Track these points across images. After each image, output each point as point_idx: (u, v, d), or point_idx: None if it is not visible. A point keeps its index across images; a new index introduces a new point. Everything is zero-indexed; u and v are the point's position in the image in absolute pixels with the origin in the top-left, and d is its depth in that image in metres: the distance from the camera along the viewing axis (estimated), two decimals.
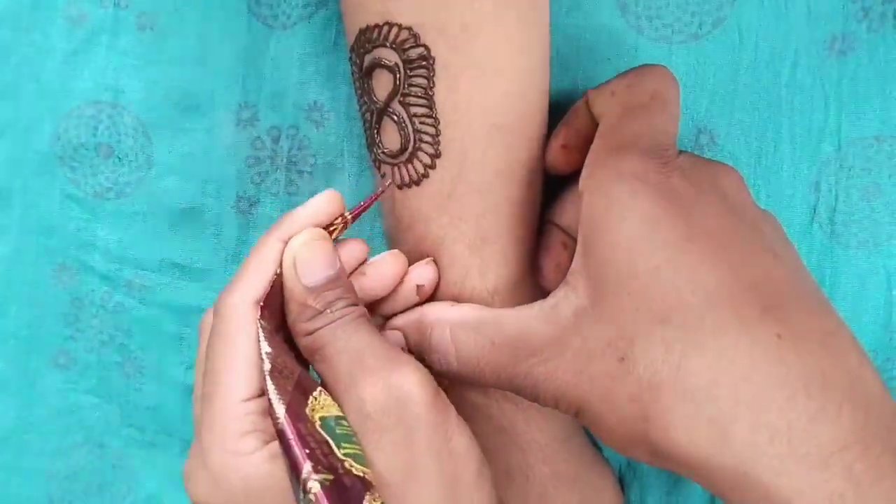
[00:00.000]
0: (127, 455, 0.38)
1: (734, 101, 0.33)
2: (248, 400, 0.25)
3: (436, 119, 0.28)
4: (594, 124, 0.28)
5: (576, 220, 0.28)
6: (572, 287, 0.25)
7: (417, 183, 0.28)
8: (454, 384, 0.30)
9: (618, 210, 0.25)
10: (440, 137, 0.28)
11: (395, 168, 0.29)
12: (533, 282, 0.31)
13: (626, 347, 0.24)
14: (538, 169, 0.30)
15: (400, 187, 0.29)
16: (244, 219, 0.36)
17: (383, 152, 0.29)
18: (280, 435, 0.23)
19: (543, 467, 0.31)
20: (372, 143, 0.29)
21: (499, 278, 0.29)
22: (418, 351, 0.29)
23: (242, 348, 0.25)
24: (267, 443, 0.24)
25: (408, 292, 0.29)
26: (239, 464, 0.24)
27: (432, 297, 0.30)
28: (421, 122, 0.28)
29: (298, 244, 0.26)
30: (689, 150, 0.34)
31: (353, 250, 0.29)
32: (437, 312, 0.28)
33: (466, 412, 0.30)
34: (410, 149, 0.28)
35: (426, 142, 0.28)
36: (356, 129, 0.35)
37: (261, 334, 0.25)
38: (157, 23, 0.36)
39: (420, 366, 0.26)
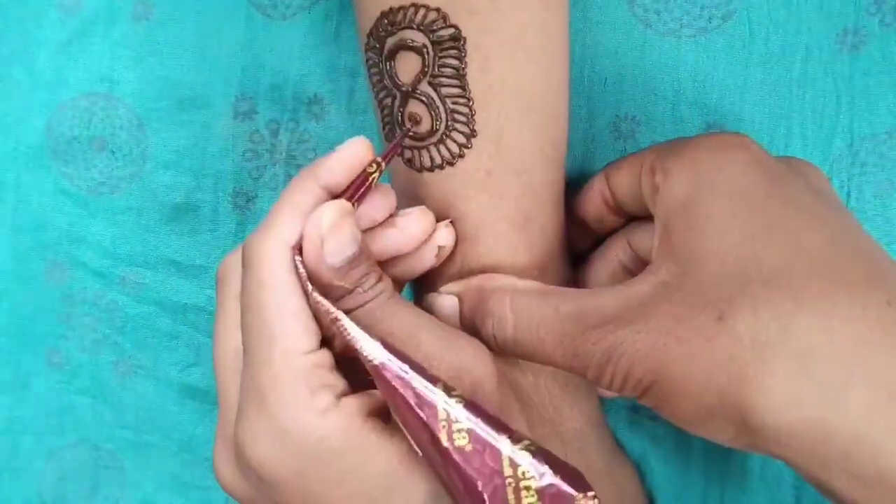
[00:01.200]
0: (121, 456, 0.37)
1: (744, 97, 0.33)
2: (310, 353, 0.23)
3: (469, 99, 0.27)
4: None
5: (601, 213, 0.28)
6: (651, 272, 0.25)
7: (452, 163, 0.28)
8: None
9: (710, 178, 0.24)
10: (475, 117, 0.27)
11: (423, 151, 0.28)
12: (569, 263, 0.30)
13: (726, 307, 0.23)
14: (565, 147, 0.30)
15: (431, 169, 0.28)
16: (241, 214, 0.35)
17: (409, 136, 0.28)
18: (378, 372, 0.22)
19: (580, 459, 0.30)
20: (393, 127, 0.29)
21: (544, 255, 0.29)
22: (471, 317, 0.28)
23: (293, 297, 0.23)
24: (339, 398, 0.23)
25: (428, 253, 0.28)
26: (315, 423, 0.23)
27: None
28: (454, 103, 0.27)
29: (327, 224, 0.24)
30: None
31: (388, 195, 0.27)
32: (498, 280, 0.28)
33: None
34: (442, 129, 0.28)
35: (460, 122, 0.27)
36: (357, 123, 0.34)
37: (307, 280, 0.24)
38: (152, 12, 0.35)
39: (480, 344, 0.25)
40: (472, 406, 0.22)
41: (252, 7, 0.34)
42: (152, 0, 0.35)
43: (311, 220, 0.24)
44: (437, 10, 0.26)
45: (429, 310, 0.28)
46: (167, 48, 0.35)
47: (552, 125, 0.29)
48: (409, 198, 0.30)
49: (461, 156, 0.28)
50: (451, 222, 0.28)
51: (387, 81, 0.28)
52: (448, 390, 0.22)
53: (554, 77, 0.29)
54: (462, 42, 0.27)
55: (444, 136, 0.28)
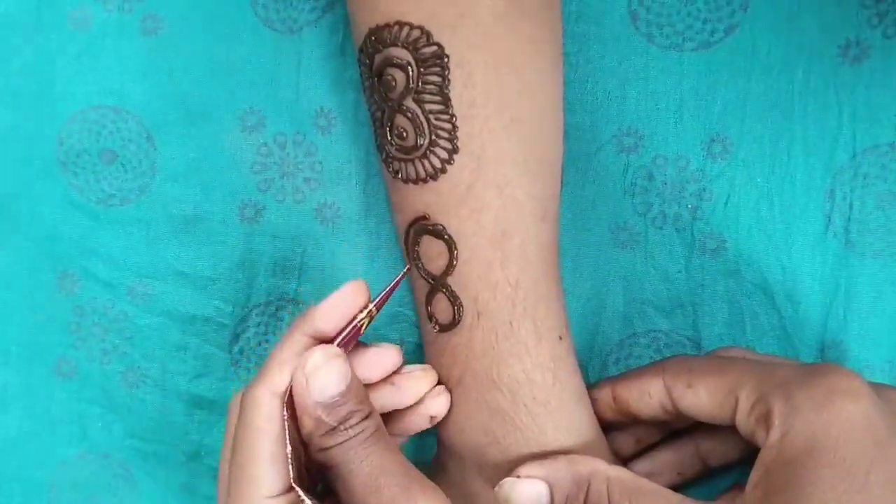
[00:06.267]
0: (130, 466, 0.37)
1: (747, 109, 0.33)
2: (275, 497, 0.25)
3: (452, 115, 0.27)
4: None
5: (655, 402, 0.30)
6: None
7: (434, 178, 0.28)
8: None
9: (815, 440, 0.25)
10: (457, 133, 0.28)
11: (409, 163, 0.29)
12: (555, 277, 0.30)
13: None
14: (556, 163, 0.30)
15: (415, 182, 0.29)
16: (249, 226, 0.36)
17: (396, 149, 0.29)
18: None
19: None
20: (383, 140, 0.29)
21: (521, 271, 0.29)
22: None
23: (268, 443, 0.26)
24: None
25: (420, 420, 0.30)
26: None
27: (456, 289, 0.29)
28: (437, 119, 0.28)
29: (311, 367, 0.26)
30: (702, 158, 0.33)
31: (387, 356, 0.29)
32: (589, 464, 0.27)
33: None
34: (426, 144, 0.28)
35: (443, 137, 0.28)
36: (363, 135, 0.35)
37: (287, 428, 0.26)
38: (161, 27, 0.35)
39: (439, 492, 0.26)
40: None
41: (259, 21, 0.35)
42: (161, 15, 0.35)
43: (299, 363, 0.26)
44: (421, 28, 0.27)
45: (507, 497, 0.28)
46: (176, 62, 0.35)
47: (539, 137, 0.29)
48: (401, 207, 0.30)
49: (443, 171, 0.28)
50: (444, 388, 0.30)
51: (376, 96, 0.29)
52: None
53: (541, 89, 0.29)
54: (445, 60, 0.27)
55: (428, 152, 0.28)
